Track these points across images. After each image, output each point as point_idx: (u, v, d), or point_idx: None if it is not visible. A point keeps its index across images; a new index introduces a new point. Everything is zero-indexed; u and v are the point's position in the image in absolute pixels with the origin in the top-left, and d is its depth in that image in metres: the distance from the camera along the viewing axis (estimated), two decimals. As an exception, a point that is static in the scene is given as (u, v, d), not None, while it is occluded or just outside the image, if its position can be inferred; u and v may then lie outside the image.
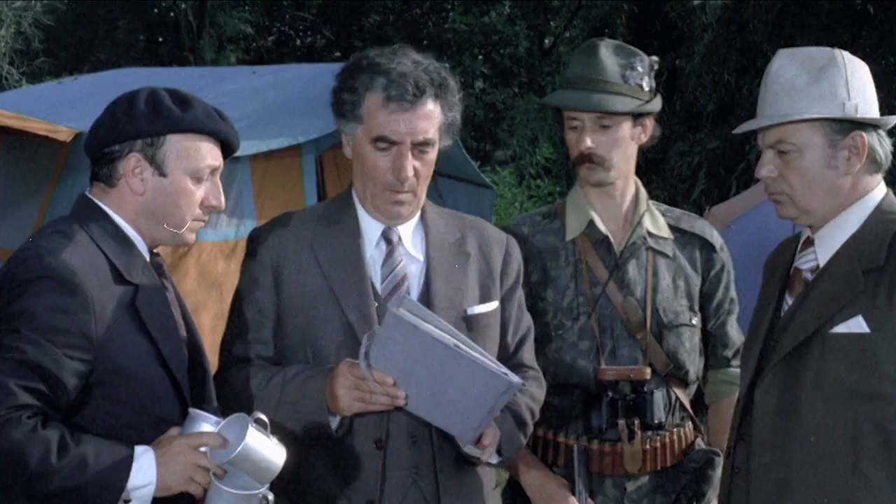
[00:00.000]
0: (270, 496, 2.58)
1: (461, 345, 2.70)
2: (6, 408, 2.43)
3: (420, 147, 2.92)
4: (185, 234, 2.77)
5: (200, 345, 2.86)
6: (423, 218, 3.06)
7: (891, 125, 2.84)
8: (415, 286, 2.99)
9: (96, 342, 2.55)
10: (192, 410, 2.60)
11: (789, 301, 2.89)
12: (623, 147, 3.43)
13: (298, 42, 23.91)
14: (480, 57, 21.81)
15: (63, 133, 6.65)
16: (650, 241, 3.46)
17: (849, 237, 2.81)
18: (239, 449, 2.49)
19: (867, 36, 12.53)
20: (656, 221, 3.51)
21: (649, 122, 3.48)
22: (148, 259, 2.77)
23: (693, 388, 3.54)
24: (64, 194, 6.94)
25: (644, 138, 3.49)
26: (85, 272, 2.56)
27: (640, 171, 3.56)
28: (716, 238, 3.57)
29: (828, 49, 2.86)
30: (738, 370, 3.52)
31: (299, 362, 2.91)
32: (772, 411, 2.80)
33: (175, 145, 2.70)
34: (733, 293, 3.62)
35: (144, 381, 2.63)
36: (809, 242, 2.89)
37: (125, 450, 2.50)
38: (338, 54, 22.00)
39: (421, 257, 3.02)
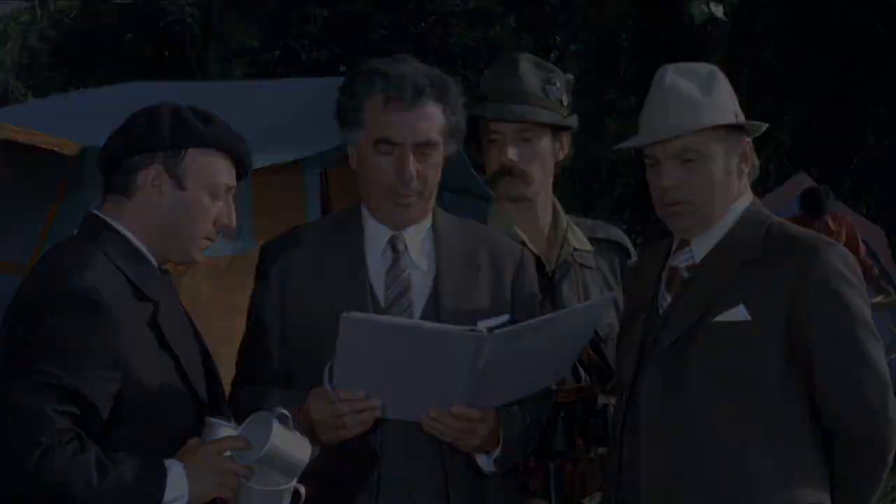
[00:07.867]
0: (302, 489, 2.60)
1: (420, 322, 2.67)
2: (48, 434, 2.42)
3: (422, 148, 2.91)
4: (194, 252, 2.76)
5: (210, 354, 2.87)
6: (434, 227, 3.04)
7: (762, 130, 2.97)
8: (420, 296, 2.96)
9: (124, 362, 2.55)
10: (209, 419, 2.62)
11: (668, 298, 2.94)
12: (543, 161, 3.43)
13: (304, 56, 23.93)
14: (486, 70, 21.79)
15: (69, 147, 6.64)
16: (576, 256, 3.44)
17: (723, 235, 2.90)
18: (266, 448, 2.52)
19: (874, 52, 12.53)
20: (577, 235, 3.50)
21: (566, 139, 3.50)
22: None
23: None
24: (70, 208, 6.92)
25: (562, 154, 3.49)
26: (109, 292, 2.55)
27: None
28: (629, 244, 3.59)
29: (705, 63, 2.99)
30: None
31: (301, 375, 2.90)
32: (657, 399, 2.84)
33: (195, 159, 2.70)
34: None
35: (167, 396, 2.64)
36: (684, 243, 2.96)
37: (157, 465, 2.51)
38: (343, 68, 22.01)
39: (428, 267, 2.99)
